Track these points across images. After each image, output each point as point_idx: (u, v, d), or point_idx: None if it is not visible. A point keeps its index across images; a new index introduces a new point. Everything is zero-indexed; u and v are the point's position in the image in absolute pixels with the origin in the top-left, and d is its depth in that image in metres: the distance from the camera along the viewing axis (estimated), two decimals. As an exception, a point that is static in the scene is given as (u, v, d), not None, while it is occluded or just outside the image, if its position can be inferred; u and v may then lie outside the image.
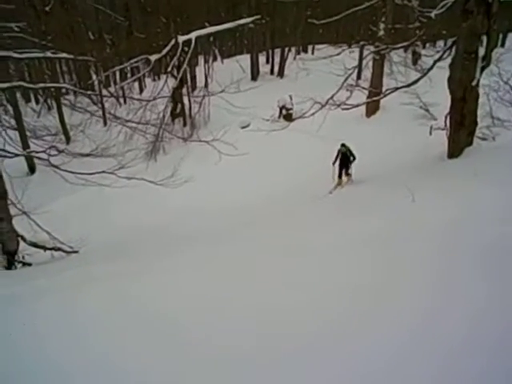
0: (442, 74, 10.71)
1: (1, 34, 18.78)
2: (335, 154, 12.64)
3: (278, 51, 29.24)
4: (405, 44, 12.40)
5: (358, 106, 12.09)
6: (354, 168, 12.77)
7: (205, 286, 4.97)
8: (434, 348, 3.10)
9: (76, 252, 10.38)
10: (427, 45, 24.94)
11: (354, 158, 12.61)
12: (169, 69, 11.99)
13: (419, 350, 3.10)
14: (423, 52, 18.92)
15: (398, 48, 12.70)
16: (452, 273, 4.17)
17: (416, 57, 20.95)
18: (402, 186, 7.91)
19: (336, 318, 3.72)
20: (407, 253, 4.95)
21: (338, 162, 12.70)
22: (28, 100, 30.42)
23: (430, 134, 12.81)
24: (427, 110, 15.44)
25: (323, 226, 7.94)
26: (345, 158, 12.64)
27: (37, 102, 30.21)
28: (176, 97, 20.84)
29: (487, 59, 9.58)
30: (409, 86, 11.76)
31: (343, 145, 12.58)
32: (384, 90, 14.36)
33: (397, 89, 11.68)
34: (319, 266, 5.06)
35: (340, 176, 12.84)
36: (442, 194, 7.27)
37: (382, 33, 17.04)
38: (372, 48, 15.47)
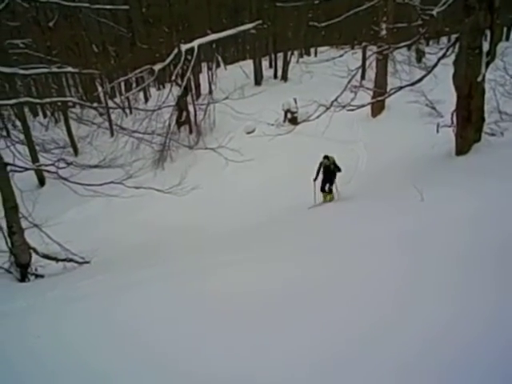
0: (446, 70, 10.68)
1: (7, 51, 19.10)
2: (317, 167, 11.42)
3: (280, 55, 29.29)
4: (408, 43, 12.35)
5: (363, 106, 12.06)
6: (338, 183, 11.69)
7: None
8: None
9: (87, 262, 10.46)
10: (430, 42, 24.85)
11: (339, 170, 11.41)
12: (173, 77, 12.13)
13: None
14: (427, 50, 18.88)
15: (400, 47, 12.64)
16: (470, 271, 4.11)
17: (420, 55, 20.87)
18: (411, 184, 7.87)
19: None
20: (422, 251, 4.89)
21: (321, 177, 11.48)
22: (36, 114, 30.73)
23: (437, 131, 12.75)
24: (433, 108, 15.34)
25: (334, 230, 7.92)
26: (328, 172, 11.38)
27: (44, 115, 30.51)
28: (181, 105, 20.93)
29: (492, 54, 9.54)
30: (413, 84, 11.71)
31: (326, 157, 11.34)
32: (389, 89, 14.33)
33: (401, 88, 11.65)
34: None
35: (323, 190, 11.67)
36: (452, 192, 7.22)
37: (384, 32, 16.97)
38: (375, 48, 15.45)
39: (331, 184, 11.56)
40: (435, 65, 10.99)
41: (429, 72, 11.23)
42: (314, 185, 11.43)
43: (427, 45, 23.35)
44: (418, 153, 12.90)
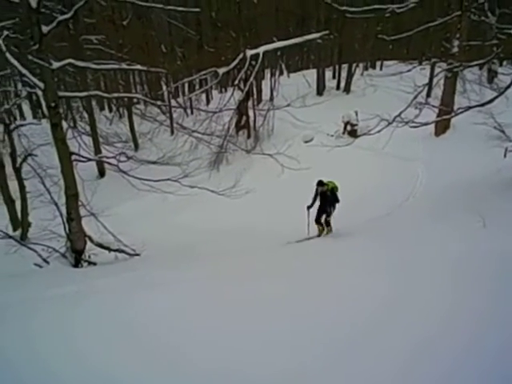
0: (520, 93, 10.17)
1: (82, 46, 20.05)
2: (313, 194, 9.95)
3: (345, 66, 29.05)
4: (480, 62, 11.85)
5: (427, 124, 11.67)
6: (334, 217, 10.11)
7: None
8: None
9: (138, 255, 10.70)
10: (504, 62, 23.81)
11: (337, 201, 9.85)
12: (236, 82, 12.22)
13: None
14: (500, 70, 18.06)
15: (472, 66, 12.16)
16: None
17: (492, 75, 20.03)
18: (472, 209, 7.53)
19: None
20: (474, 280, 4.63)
21: (317, 203, 9.97)
22: (102, 108, 32.06)
23: (505, 156, 12.16)
24: (502, 131, 14.62)
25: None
26: (325, 200, 9.83)
27: (110, 110, 31.79)
28: (241, 109, 21.17)
29: None
30: (483, 105, 11.19)
31: (321, 183, 9.78)
32: (455, 108, 13.80)
33: (470, 108, 11.16)
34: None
35: (318, 221, 10.11)
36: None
37: (455, 49, 16.43)
38: (444, 65, 14.97)
39: (328, 215, 9.97)
40: (508, 86, 10.45)
41: (501, 93, 10.70)
42: (308, 213, 10.01)
43: (500, 65, 22.40)
44: (482, 176, 12.35)
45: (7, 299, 5.76)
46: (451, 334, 3.10)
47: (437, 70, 17.68)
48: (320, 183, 9.78)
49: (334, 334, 3.42)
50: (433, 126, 17.18)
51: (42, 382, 3.25)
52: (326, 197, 9.76)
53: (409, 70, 12.09)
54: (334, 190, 9.81)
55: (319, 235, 10.19)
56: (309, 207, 9.92)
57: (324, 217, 10.05)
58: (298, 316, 3.90)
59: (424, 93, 13.60)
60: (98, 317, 4.47)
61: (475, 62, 11.82)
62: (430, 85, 17.57)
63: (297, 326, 3.69)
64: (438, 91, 18.30)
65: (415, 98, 11.33)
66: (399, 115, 10.99)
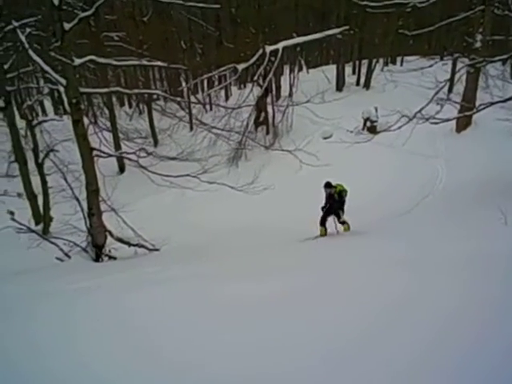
0: (545, 88, 9.95)
1: (103, 43, 20.27)
2: (325, 196, 9.61)
3: (365, 62, 28.77)
4: (504, 57, 11.65)
5: (448, 120, 11.54)
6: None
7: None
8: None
9: (157, 250, 10.80)
10: (529, 58, 23.30)
11: (343, 204, 9.54)
12: (255, 78, 12.18)
13: None
14: (524, 65, 17.70)
15: (495, 61, 11.94)
16: None
17: (515, 70, 19.66)
18: (494, 206, 7.40)
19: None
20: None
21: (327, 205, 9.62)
22: (122, 104, 32.34)
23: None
24: (526, 128, 14.38)
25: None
26: (334, 202, 9.43)
27: (130, 106, 32.05)
28: (260, 105, 21.12)
29: None
30: (506, 100, 11.04)
31: (328, 185, 9.42)
32: (478, 104, 13.58)
33: (492, 104, 11.00)
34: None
35: (322, 223, 9.72)
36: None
37: (478, 44, 16.13)
38: (467, 60, 14.71)
39: (339, 217, 9.61)
40: (533, 82, 10.29)
41: (525, 89, 10.53)
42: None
43: (525, 60, 21.90)
44: (503, 173, 12.14)
45: (27, 291, 5.90)
46: (460, 333, 3.05)
47: (459, 65, 17.40)
48: (327, 185, 9.45)
49: (338, 335, 3.37)
50: (454, 122, 16.92)
51: (40, 377, 3.28)
52: (333, 199, 9.45)
53: (430, 66, 11.95)
54: (341, 193, 9.45)
55: (321, 235, 9.76)
56: (323, 208, 9.65)
57: (334, 219, 9.74)
58: (301, 315, 3.85)
59: (445, 88, 13.37)
60: (99, 313, 4.46)
61: (498, 57, 11.63)
62: (451, 80, 17.25)
63: (299, 325, 3.64)
64: (459, 87, 17.98)
65: (436, 93, 11.20)
66: (420, 111, 10.88)
